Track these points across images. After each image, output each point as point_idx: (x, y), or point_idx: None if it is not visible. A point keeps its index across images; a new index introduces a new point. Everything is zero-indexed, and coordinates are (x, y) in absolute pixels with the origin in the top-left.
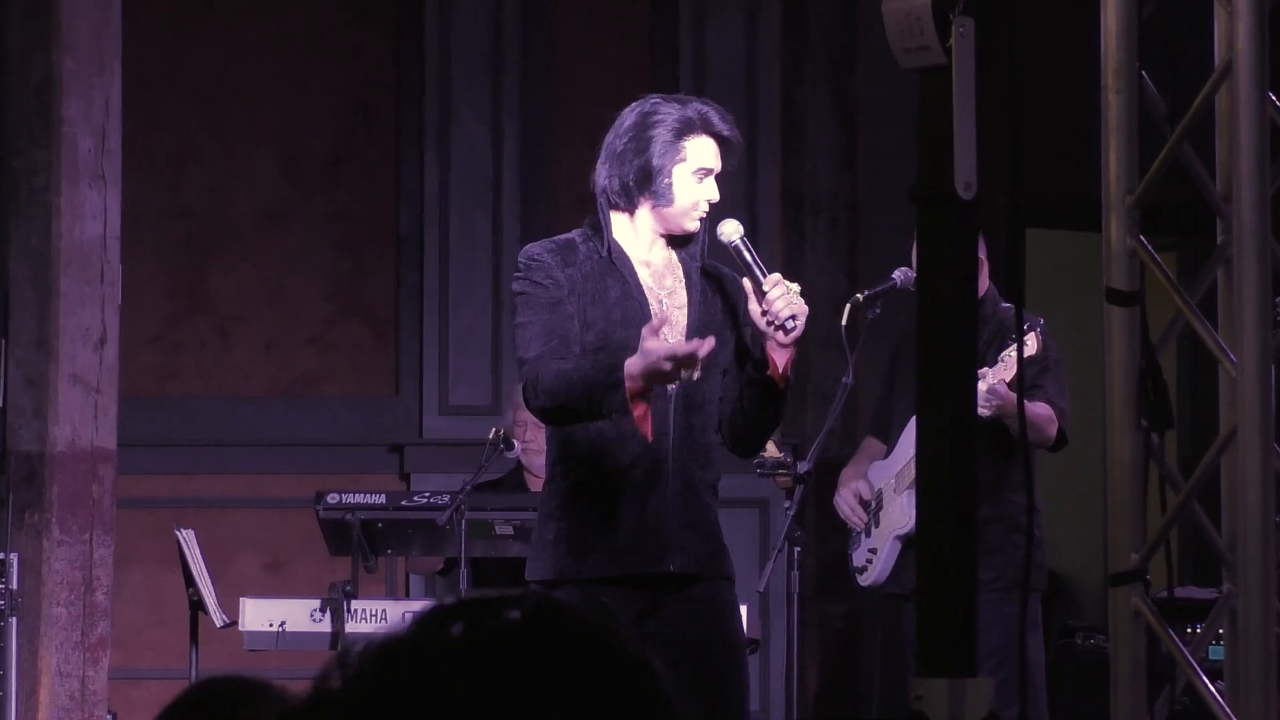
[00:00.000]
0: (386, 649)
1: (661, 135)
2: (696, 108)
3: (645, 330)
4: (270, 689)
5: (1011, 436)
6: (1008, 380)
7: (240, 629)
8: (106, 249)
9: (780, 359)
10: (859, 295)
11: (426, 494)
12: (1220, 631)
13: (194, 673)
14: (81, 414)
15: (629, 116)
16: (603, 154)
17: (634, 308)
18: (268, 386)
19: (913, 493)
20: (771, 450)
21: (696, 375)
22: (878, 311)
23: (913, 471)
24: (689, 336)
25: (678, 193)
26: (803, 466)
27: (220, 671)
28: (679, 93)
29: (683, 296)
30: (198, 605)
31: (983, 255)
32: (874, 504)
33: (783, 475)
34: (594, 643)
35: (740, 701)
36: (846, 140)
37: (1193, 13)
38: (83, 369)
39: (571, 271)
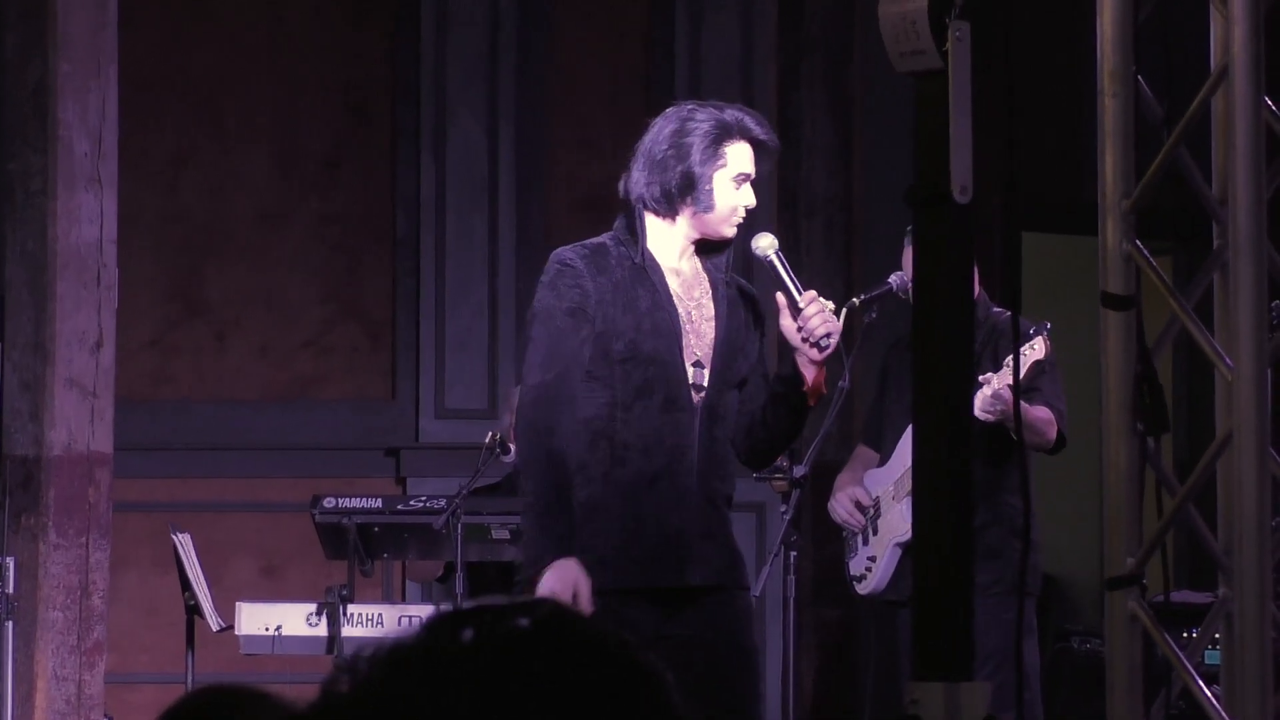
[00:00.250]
0: (396, 654)
1: (701, 141)
2: (734, 113)
3: (561, 590)
4: (268, 698)
5: (1010, 439)
6: None
7: (236, 633)
8: (103, 252)
9: (810, 374)
10: (855, 299)
11: (423, 498)
12: (1216, 635)
13: (190, 677)
14: (78, 418)
15: (667, 123)
16: (639, 160)
17: (664, 319)
18: (263, 390)
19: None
20: None
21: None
22: (874, 315)
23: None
24: (717, 351)
25: (718, 199)
26: (799, 471)
27: (217, 680)
28: (675, 94)
29: (710, 309)
30: (194, 609)
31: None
32: (871, 510)
33: (779, 479)
34: (603, 651)
35: (754, 705)
36: (842, 142)
37: (1189, 16)
38: (79, 373)
39: (602, 280)
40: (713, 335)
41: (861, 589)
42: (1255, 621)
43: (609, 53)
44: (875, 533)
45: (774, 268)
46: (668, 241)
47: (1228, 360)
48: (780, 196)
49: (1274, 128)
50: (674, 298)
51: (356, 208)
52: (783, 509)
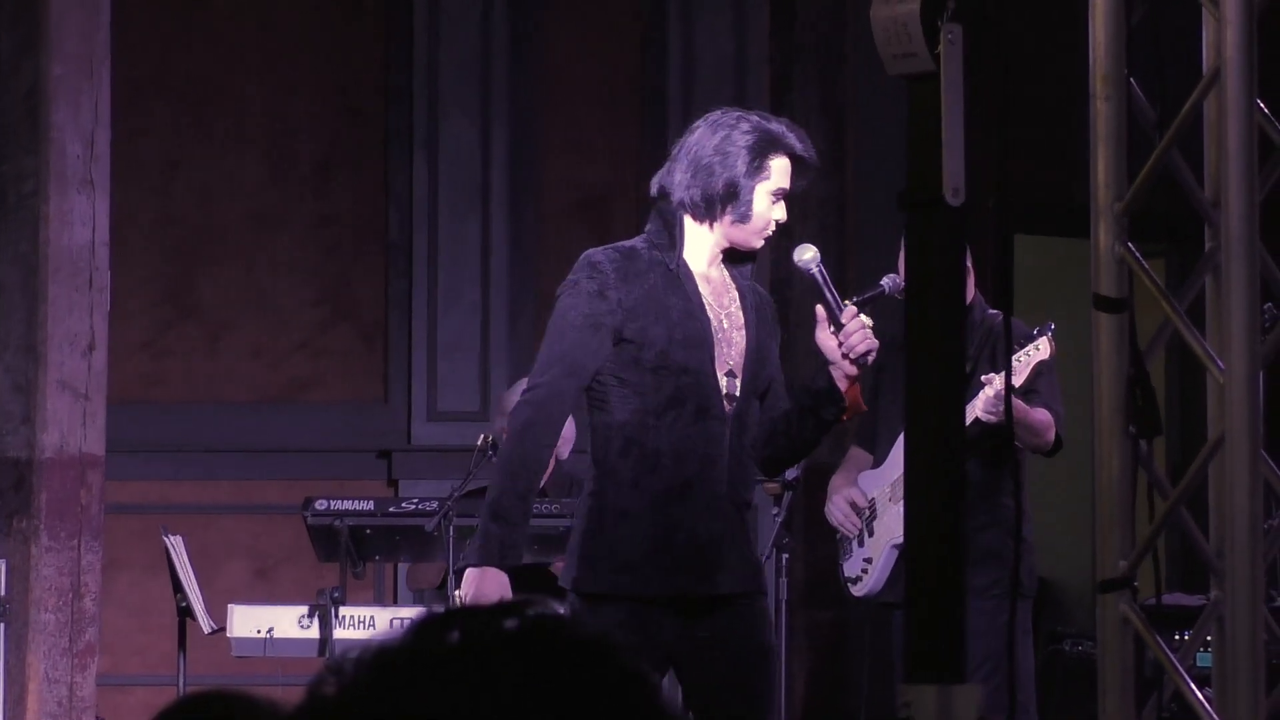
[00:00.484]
0: (383, 656)
1: (747, 153)
2: (779, 126)
3: (484, 599)
4: (259, 703)
5: (1010, 440)
6: (1018, 386)
7: (228, 635)
8: (95, 255)
9: (844, 388)
10: (848, 301)
11: (415, 500)
12: (1208, 638)
13: (182, 679)
14: (70, 420)
15: (714, 128)
16: (683, 163)
17: (696, 328)
18: (256, 392)
19: None
20: None
21: None
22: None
23: None
24: (748, 359)
25: (756, 210)
26: (791, 473)
27: (208, 685)
28: (668, 97)
29: (740, 317)
30: (185, 611)
31: (969, 263)
32: (867, 513)
33: (771, 481)
34: (590, 654)
35: (772, 705)
36: (835, 145)
37: (1181, 19)
38: (71, 375)
39: (632, 288)
40: (744, 344)
41: (857, 591)
42: (1247, 624)
43: (602, 56)
44: (871, 534)
45: (816, 280)
46: (701, 247)
47: (1220, 363)
48: None
49: (1266, 130)
50: (706, 306)
51: (349, 210)
52: (775, 511)
